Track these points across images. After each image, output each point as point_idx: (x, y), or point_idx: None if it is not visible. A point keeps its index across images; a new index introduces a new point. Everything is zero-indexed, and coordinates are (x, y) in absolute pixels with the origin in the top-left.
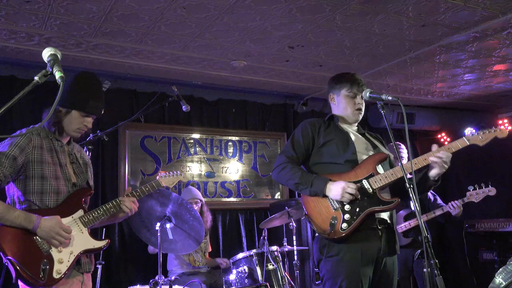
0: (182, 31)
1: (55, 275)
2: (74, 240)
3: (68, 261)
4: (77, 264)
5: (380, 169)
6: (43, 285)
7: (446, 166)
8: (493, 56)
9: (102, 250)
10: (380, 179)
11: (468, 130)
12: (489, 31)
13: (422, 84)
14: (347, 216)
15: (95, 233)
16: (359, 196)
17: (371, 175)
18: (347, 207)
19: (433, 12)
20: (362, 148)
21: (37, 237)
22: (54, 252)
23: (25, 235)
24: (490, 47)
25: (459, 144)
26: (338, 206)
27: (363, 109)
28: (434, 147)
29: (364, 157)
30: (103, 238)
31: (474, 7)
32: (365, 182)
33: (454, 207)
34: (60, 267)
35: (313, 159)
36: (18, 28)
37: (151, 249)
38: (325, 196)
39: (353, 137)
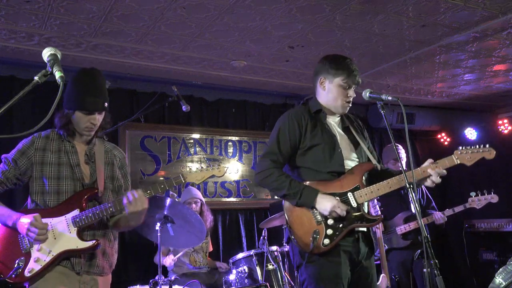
0: (182, 31)
1: (26, 273)
2: (57, 240)
3: (45, 260)
4: (67, 263)
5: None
6: (13, 280)
7: (437, 182)
8: (493, 56)
9: (90, 252)
10: (366, 194)
11: (468, 131)
12: (489, 31)
13: (422, 84)
14: (329, 231)
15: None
16: (345, 216)
17: (357, 188)
18: (330, 221)
19: (433, 12)
20: (347, 151)
21: (20, 235)
22: (33, 250)
23: (11, 233)
24: (490, 47)
25: (447, 162)
26: (321, 219)
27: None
28: (428, 162)
29: (349, 162)
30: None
31: (474, 7)
32: (350, 196)
33: (437, 218)
34: (33, 266)
35: (297, 161)
36: (18, 28)
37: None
38: (311, 207)
39: (339, 139)
